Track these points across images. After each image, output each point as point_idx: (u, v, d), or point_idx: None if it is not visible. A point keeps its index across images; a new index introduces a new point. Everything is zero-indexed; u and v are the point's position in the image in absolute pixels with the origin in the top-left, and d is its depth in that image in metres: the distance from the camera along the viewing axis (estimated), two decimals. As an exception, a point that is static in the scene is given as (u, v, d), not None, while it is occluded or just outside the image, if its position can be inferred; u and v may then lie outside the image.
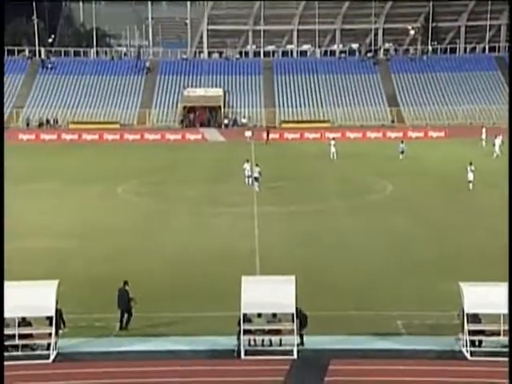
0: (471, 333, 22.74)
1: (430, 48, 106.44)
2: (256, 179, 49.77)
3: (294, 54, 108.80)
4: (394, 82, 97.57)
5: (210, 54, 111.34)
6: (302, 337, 23.52)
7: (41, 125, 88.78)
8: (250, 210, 43.84)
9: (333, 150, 64.34)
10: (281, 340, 23.43)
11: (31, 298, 23.06)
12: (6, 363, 20.71)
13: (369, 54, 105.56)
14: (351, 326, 25.05)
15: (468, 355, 22.60)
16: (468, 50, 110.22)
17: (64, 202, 47.18)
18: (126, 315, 25.22)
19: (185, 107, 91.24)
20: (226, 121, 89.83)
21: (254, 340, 23.48)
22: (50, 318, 23.10)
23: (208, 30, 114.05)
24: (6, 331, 22.62)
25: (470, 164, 49.53)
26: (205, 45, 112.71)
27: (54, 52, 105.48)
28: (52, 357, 22.76)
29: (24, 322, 23.30)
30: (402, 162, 62.61)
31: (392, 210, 43.47)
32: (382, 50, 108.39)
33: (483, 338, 23.06)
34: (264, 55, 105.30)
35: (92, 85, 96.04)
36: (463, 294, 23.01)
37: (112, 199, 48.01)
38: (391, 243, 36.12)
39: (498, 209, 41.22)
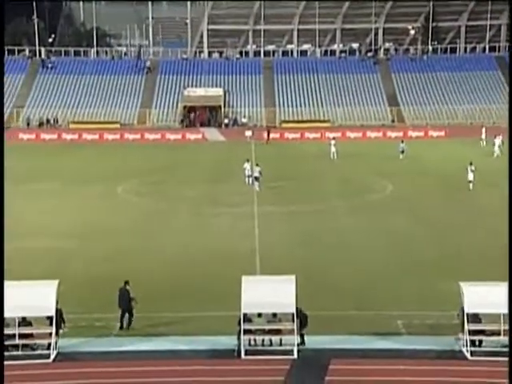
0: (471, 332, 22.75)
1: (430, 48, 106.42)
2: (256, 179, 49.78)
3: (295, 54, 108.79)
4: (394, 81, 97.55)
5: (210, 53, 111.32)
6: (302, 336, 23.53)
7: (41, 124, 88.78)
8: (251, 209, 43.85)
9: (333, 149, 64.34)
10: (281, 340, 23.44)
11: (31, 298, 23.08)
12: (6, 363, 20.70)
13: (369, 54, 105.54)
14: (351, 325, 25.06)
15: (468, 355, 22.62)
16: (468, 49, 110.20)
17: (64, 201, 47.19)
18: (127, 315, 25.24)
19: (185, 107, 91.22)
20: (226, 120, 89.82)
21: (255, 340, 23.50)
22: (50, 318, 23.12)
23: (208, 30, 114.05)
24: (7, 331, 22.63)
25: (471, 164, 49.54)
26: (205, 44, 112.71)
27: (55, 52, 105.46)
28: (52, 356, 22.77)
29: (24, 321, 23.33)
30: (403, 161, 62.61)
31: (392, 210, 43.47)
32: (382, 50, 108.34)
33: (483, 337, 23.08)
34: (264, 55, 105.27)
35: (92, 84, 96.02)
36: (463, 294, 23.03)
37: (112, 199, 48.01)
38: (391, 243, 36.12)
39: (498, 209, 41.20)
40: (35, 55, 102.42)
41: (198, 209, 44.65)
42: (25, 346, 23.20)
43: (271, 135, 78.97)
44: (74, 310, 25.00)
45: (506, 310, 22.27)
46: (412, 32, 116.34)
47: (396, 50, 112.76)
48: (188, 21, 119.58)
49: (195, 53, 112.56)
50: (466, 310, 22.76)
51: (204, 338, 24.01)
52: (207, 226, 40.09)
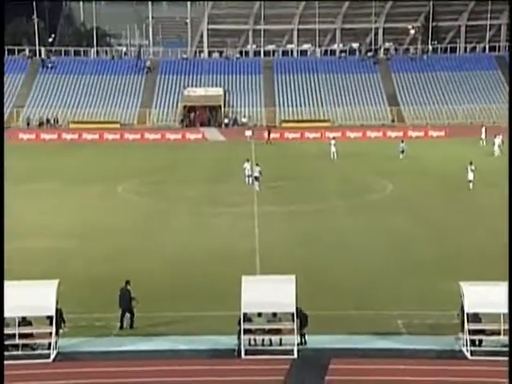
0: (471, 332, 22.76)
1: (430, 47, 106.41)
2: (256, 179, 49.79)
3: (295, 54, 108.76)
4: (394, 81, 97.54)
5: (210, 53, 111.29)
6: (304, 336, 23.55)
7: (41, 124, 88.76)
8: (251, 209, 43.85)
9: (333, 149, 64.33)
10: (281, 339, 23.45)
11: (31, 298, 23.09)
12: (6, 362, 20.70)
13: (369, 54, 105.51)
14: (351, 325, 25.07)
15: (468, 354, 22.63)
16: (468, 49, 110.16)
17: (64, 201, 47.20)
18: (128, 315, 25.24)
19: (185, 107, 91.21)
20: (226, 120, 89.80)
21: (255, 339, 23.51)
22: (50, 318, 23.13)
23: (208, 30, 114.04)
24: (7, 331, 22.64)
25: (471, 163, 49.55)
26: (205, 44, 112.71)
27: (55, 51, 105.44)
28: (52, 356, 22.78)
29: (24, 321, 23.33)
30: (403, 161, 62.61)
31: (392, 210, 43.48)
32: (382, 50, 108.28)
33: (483, 337, 23.09)
34: (264, 55, 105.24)
35: (92, 84, 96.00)
36: (463, 294, 23.03)
37: (112, 199, 48.02)
38: (391, 243, 36.13)
39: (498, 208, 41.18)
40: (35, 55, 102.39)
41: (198, 208, 44.66)
42: (25, 346, 23.21)
43: (271, 135, 78.92)
44: (74, 310, 25.01)
45: (506, 310, 22.27)
46: (412, 32, 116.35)
47: (396, 49, 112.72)
48: (188, 20, 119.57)
49: (195, 52, 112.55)
50: (466, 310, 22.77)
51: (204, 338, 24.02)
52: (207, 226, 40.10)
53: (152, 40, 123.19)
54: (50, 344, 22.97)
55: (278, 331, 23.55)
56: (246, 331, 23.12)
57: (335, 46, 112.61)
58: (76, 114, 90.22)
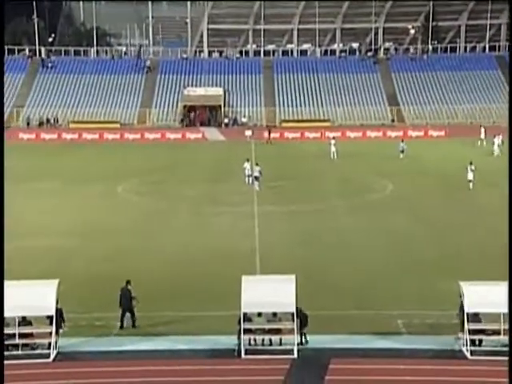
0: (471, 332, 22.76)
1: (430, 47, 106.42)
2: (256, 178, 49.79)
3: (295, 54, 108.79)
4: (394, 81, 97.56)
5: (210, 53, 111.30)
6: (305, 336, 23.56)
7: (41, 124, 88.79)
8: (251, 209, 43.85)
9: (333, 149, 64.32)
10: (281, 339, 23.46)
11: (31, 298, 23.09)
12: (6, 362, 20.72)
13: (369, 54, 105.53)
14: (351, 325, 25.07)
15: (468, 354, 22.63)
16: (468, 49, 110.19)
17: (64, 201, 47.20)
18: (129, 315, 25.23)
19: (185, 106, 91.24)
20: (226, 120, 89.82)
21: (255, 339, 23.51)
22: (50, 318, 23.13)
23: (208, 29, 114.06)
24: (7, 330, 22.65)
25: (470, 163, 49.55)
26: (205, 44, 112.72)
27: (55, 51, 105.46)
28: (52, 356, 22.79)
29: (24, 321, 23.33)
30: (403, 161, 62.62)
31: (392, 210, 43.48)
32: (382, 50, 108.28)
33: (483, 337, 23.09)
34: (264, 54, 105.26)
35: (92, 84, 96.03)
36: (463, 294, 23.03)
37: (112, 198, 48.02)
38: (391, 243, 36.13)
39: (497, 208, 41.20)
40: (35, 55, 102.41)
41: (198, 208, 44.66)
42: (25, 346, 23.22)
43: (272, 135, 78.89)
44: (74, 310, 25.01)
45: (505, 310, 22.28)
46: (412, 31, 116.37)
47: (396, 49, 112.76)
48: (188, 20, 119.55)
49: (195, 52, 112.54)
50: (466, 310, 22.77)
51: (204, 338, 24.02)
52: (207, 226, 40.10)
53: (152, 40, 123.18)
54: (49, 344, 22.98)
55: (277, 331, 23.55)
56: (246, 331, 23.13)
57: (335, 46, 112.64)
58: (76, 114, 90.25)
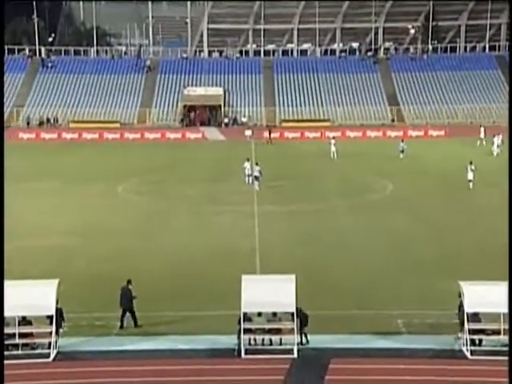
0: (471, 332, 22.76)
1: (430, 47, 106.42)
2: (256, 178, 49.80)
3: (295, 53, 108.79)
4: (394, 81, 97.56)
5: (210, 52, 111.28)
6: (306, 336, 23.56)
7: (41, 124, 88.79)
8: (251, 209, 43.85)
9: (333, 149, 64.34)
10: (281, 339, 23.46)
11: (31, 297, 23.09)
12: (6, 362, 20.72)
13: (369, 53, 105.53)
14: (351, 325, 25.07)
15: (468, 354, 22.64)
16: (468, 48, 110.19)
17: (64, 201, 47.20)
18: (130, 315, 25.22)
19: (185, 106, 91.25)
20: (226, 120, 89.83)
21: (255, 339, 23.52)
22: (50, 317, 23.13)
23: (208, 29, 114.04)
24: (7, 330, 22.65)
25: (470, 163, 49.55)
26: (205, 44, 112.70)
27: (55, 51, 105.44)
28: (52, 356, 22.79)
29: (24, 320, 23.34)
30: (402, 161, 62.62)
31: (392, 210, 43.48)
32: (382, 49, 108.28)
33: (483, 336, 23.10)
34: (264, 54, 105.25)
35: (92, 84, 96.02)
36: (463, 293, 23.04)
37: (112, 198, 48.02)
38: (391, 242, 36.13)
39: (497, 208, 41.21)
40: (35, 54, 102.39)
41: (198, 208, 44.66)
42: (25, 345, 23.22)
43: (272, 135, 78.87)
44: (74, 310, 25.01)
45: (505, 309, 22.28)
46: (412, 31, 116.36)
47: (396, 49, 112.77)
48: (188, 20, 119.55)
49: (195, 52, 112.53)
50: (466, 310, 22.78)
51: (204, 338, 24.02)
52: (207, 225, 40.10)
53: (152, 39, 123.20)
54: (50, 343, 22.98)
55: (277, 331, 23.56)
56: (246, 331, 23.13)
57: (335, 46, 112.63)
58: (76, 114, 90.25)
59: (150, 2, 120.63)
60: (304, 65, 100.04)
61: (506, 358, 20.99)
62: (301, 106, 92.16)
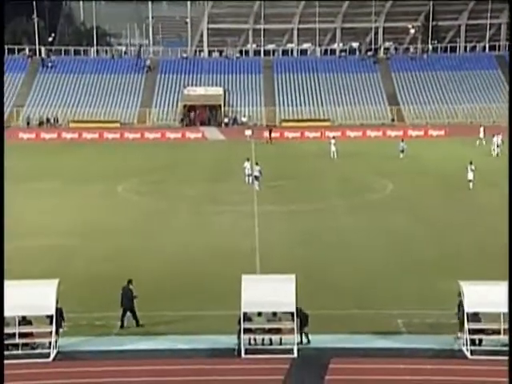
0: (471, 331, 22.76)
1: (430, 47, 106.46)
2: (256, 178, 49.79)
3: (295, 53, 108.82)
4: (394, 80, 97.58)
5: (210, 52, 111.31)
6: (307, 335, 23.56)
7: (41, 124, 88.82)
8: (251, 208, 43.85)
9: (333, 148, 64.33)
10: (281, 339, 23.46)
11: (31, 297, 23.08)
12: (6, 362, 20.73)
13: (369, 53, 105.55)
14: (352, 324, 25.07)
15: (468, 354, 22.63)
16: (468, 48, 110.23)
17: (64, 200, 47.20)
18: (130, 315, 25.21)
19: (185, 106, 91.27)
20: (226, 119, 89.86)
21: (255, 339, 23.52)
22: (50, 317, 23.13)
23: (208, 29, 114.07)
24: (7, 330, 22.65)
25: (470, 163, 49.53)
26: (205, 43, 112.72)
27: (55, 51, 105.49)
28: (52, 355, 22.79)
29: (24, 320, 23.34)
30: (402, 160, 62.62)
31: (392, 209, 43.48)
32: (382, 49, 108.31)
33: (483, 336, 23.09)
34: (264, 54, 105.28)
35: (92, 84, 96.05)
36: (463, 293, 23.04)
37: (112, 198, 48.02)
38: (391, 242, 36.12)
39: (497, 208, 41.22)
40: (35, 54, 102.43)
41: (198, 208, 44.66)
42: (25, 345, 23.21)
43: (272, 134, 78.86)
44: (74, 309, 25.01)
45: (505, 309, 22.28)
46: (412, 31, 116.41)
47: (396, 49, 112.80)
48: (188, 20, 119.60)
49: (195, 52, 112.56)
50: (466, 310, 22.78)
51: (204, 337, 24.02)
52: (207, 225, 40.10)
53: (152, 39, 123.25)
54: (50, 343, 22.98)
55: (278, 330, 23.56)
56: (246, 330, 23.13)
57: (335, 46, 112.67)
58: (76, 114, 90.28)
59: (149, 2, 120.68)
60: (304, 65, 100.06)
61: (506, 357, 21.00)
62: (301, 105, 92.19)
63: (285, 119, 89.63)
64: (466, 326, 22.71)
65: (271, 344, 23.59)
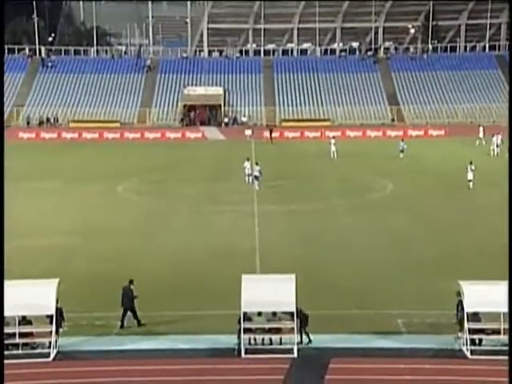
0: (471, 331, 22.76)
1: (430, 46, 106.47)
2: (256, 178, 49.80)
3: (295, 53, 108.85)
4: (394, 80, 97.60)
5: (210, 52, 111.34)
6: (308, 335, 23.56)
7: (41, 123, 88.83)
8: (251, 208, 43.85)
9: (333, 148, 64.34)
10: (281, 339, 23.46)
11: (31, 297, 23.08)
12: (6, 362, 20.71)
13: (369, 53, 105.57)
14: (351, 324, 25.06)
15: (468, 354, 22.63)
16: (468, 48, 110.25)
17: (64, 200, 47.20)
18: (131, 315, 25.21)
19: (185, 106, 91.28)
20: (226, 119, 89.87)
21: (255, 339, 23.52)
22: (50, 317, 23.12)
23: (208, 29, 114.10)
24: (7, 330, 22.64)
25: (470, 163, 49.53)
26: (205, 43, 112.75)
27: (55, 51, 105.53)
28: (52, 355, 22.78)
29: (24, 320, 23.33)
30: (402, 160, 62.63)
31: (392, 209, 43.48)
32: (382, 49, 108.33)
33: (483, 336, 23.09)
34: (264, 54, 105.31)
35: (92, 83, 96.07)
36: (463, 293, 23.04)
37: (112, 198, 48.03)
38: (391, 242, 36.12)
39: (497, 208, 41.22)
40: (35, 54, 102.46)
41: (198, 207, 44.67)
42: (25, 345, 23.21)
43: (273, 134, 78.85)
44: (74, 309, 25.00)
45: (506, 309, 22.28)
46: (412, 31, 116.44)
47: (396, 48, 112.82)
48: (188, 20, 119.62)
49: (195, 52, 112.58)
50: (466, 309, 22.78)
51: (204, 337, 24.02)
52: (207, 225, 40.10)
53: (152, 39, 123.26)
54: (50, 343, 22.98)
55: (277, 330, 23.56)
56: (246, 330, 23.13)
57: (335, 45, 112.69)
58: (76, 113, 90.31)
59: (149, 2, 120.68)
60: (304, 64, 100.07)
61: (506, 357, 20.98)
62: (301, 105, 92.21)
63: (285, 119, 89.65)
64: (466, 325, 22.71)
65: (271, 344, 23.59)
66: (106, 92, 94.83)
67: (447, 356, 22.72)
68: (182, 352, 23.19)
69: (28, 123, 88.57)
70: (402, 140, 66.36)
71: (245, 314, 23.13)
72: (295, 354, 22.72)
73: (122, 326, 25.12)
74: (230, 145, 75.25)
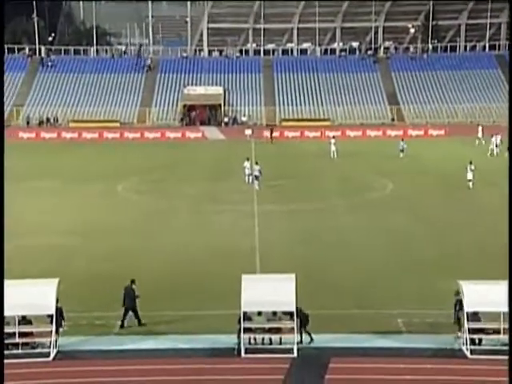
0: (471, 331, 22.76)
1: (430, 46, 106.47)
2: (256, 177, 49.80)
3: (294, 53, 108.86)
4: (394, 80, 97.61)
5: (210, 52, 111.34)
6: (309, 334, 23.55)
7: (41, 123, 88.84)
8: (251, 208, 43.85)
9: (333, 148, 64.35)
10: (281, 338, 23.46)
11: (31, 297, 23.09)
12: (6, 361, 20.69)
13: (369, 53, 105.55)
14: (351, 324, 25.06)
15: (468, 353, 22.63)
16: (468, 48, 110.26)
17: (64, 200, 47.20)
18: (132, 314, 25.19)
19: (185, 105, 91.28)
20: (226, 119, 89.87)
21: (255, 338, 23.51)
22: (50, 316, 23.12)
23: (208, 29, 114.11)
24: (7, 329, 22.63)
25: (470, 163, 49.54)
26: (205, 43, 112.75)
27: (54, 50, 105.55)
28: (52, 355, 22.78)
29: (24, 320, 23.33)
30: (402, 160, 62.63)
31: (392, 209, 43.48)
32: (382, 49, 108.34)
33: (483, 336, 23.09)
34: (264, 53, 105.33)
35: (92, 83, 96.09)
36: (463, 293, 23.05)
37: (112, 197, 48.02)
38: (391, 242, 36.12)
39: (497, 207, 41.21)
40: (35, 54, 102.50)
41: (197, 207, 44.67)
42: (25, 345, 23.21)
43: (273, 134, 78.85)
44: (74, 309, 25.00)
45: (505, 309, 22.27)
46: (412, 30, 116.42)
47: (396, 48, 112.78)
48: (188, 19, 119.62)
49: (195, 51, 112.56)
50: (466, 309, 22.78)
51: (204, 337, 24.02)
52: (207, 225, 40.09)
53: (152, 39, 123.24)
54: (50, 343, 22.98)
55: (277, 330, 23.56)
56: (246, 330, 23.13)
57: (335, 45, 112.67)
58: (76, 113, 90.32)
59: (149, 2, 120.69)
60: (304, 64, 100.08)
61: (506, 357, 20.97)
62: (301, 105, 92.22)
63: (285, 119, 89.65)
64: (466, 325, 22.72)
65: (271, 343, 23.59)
66: (105, 92, 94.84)
67: (447, 356, 22.73)
68: (182, 352, 23.19)
69: (28, 123, 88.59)
70: (402, 140, 66.38)
71: (245, 313, 23.13)
72: (295, 354, 22.72)
73: (122, 326, 25.11)
74: (230, 144, 75.26)
